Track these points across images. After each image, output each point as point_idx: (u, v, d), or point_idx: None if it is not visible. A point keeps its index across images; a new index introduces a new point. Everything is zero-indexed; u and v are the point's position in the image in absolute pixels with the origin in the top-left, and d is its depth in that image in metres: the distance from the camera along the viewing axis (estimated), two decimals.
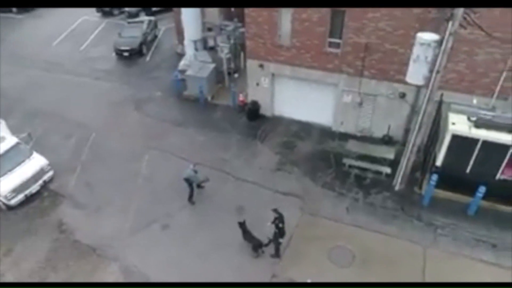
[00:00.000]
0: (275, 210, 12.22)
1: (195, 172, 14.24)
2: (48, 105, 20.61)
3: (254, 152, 17.11)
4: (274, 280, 11.82)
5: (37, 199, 15.00)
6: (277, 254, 12.44)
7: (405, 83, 15.21)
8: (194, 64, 20.87)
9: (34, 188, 14.76)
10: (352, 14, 14.92)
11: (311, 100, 17.96)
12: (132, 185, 15.51)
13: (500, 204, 13.10)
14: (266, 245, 12.33)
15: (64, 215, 14.37)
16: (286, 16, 16.12)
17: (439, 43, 11.35)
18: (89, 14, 31.48)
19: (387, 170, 14.93)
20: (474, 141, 12.37)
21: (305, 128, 18.24)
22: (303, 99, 18.13)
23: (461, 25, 11.00)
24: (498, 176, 12.66)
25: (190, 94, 20.62)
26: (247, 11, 16.83)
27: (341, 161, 15.81)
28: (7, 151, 14.38)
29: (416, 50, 11.67)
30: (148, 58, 25.09)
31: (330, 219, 13.61)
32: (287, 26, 16.35)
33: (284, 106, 18.83)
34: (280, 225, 12.06)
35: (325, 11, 15.29)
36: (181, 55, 24.37)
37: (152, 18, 28.04)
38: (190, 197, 14.51)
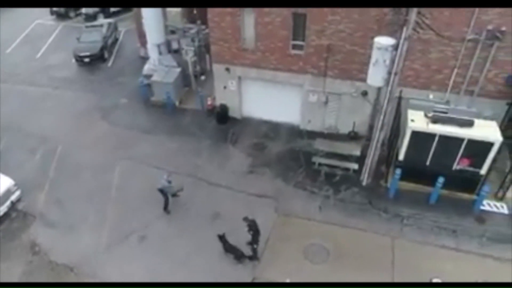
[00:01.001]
0: (245, 219, 12.57)
1: (169, 182, 14.30)
2: (7, 119, 19.74)
3: (226, 155, 17.34)
4: (255, 281, 12.22)
5: (5, 221, 14.53)
6: (255, 256, 12.85)
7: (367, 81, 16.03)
8: (160, 69, 20.66)
9: (1, 210, 14.28)
10: (313, 17, 15.34)
11: (278, 100, 18.34)
12: (105, 198, 15.34)
13: (457, 191, 14.14)
14: (251, 257, 12.67)
15: (36, 236, 14.05)
16: (249, 20, 16.31)
17: (396, 46, 11.99)
18: (43, 17, 30.18)
19: (355, 166, 15.65)
20: (431, 135, 13.23)
21: (274, 128, 18.64)
22: (270, 100, 18.47)
23: (414, 30, 11.67)
24: (454, 166, 13.64)
25: (157, 100, 20.44)
26: (210, 15, 16.85)
27: (311, 160, 16.38)
28: None
29: (375, 54, 12.27)
30: (110, 63, 24.51)
31: (304, 218, 14.16)
32: (251, 30, 16.56)
33: (252, 107, 19.11)
34: (251, 232, 12.43)
35: (287, 15, 15.62)
36: (144, 59, 23.97)
37: (111, 20, 27.28)
38: (166, 207, 14.59)
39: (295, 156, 16.95)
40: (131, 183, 15.96)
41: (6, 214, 14.62)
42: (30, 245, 13.74)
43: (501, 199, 14.04)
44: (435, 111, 13.71)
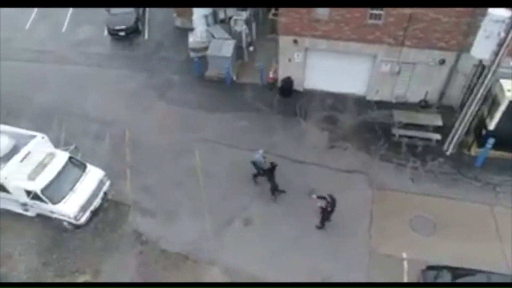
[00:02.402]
0: (330, 196, 12.84)
1: (264, 158, 14.33)
2: (58, 103, 18.81)
3: (300, 131, 17.20)
4: (373, 257, 12.69)
5: (100, 212, 14.26)
6: (322, 225, 13.42)
7: (446, 49, 15.94)
8: (214, 42, 19.67)
9: (97, 202, 13.93)
10: None
11: (343, 71, 18.00)
12: (194, 183, 15.17)
13: None
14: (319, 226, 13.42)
15: (137, 225, 13.92)
16: None
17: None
18: None
19: (438, 136, 15.89)
20: None
21: (340, 100, 18.44)
22: (335, 71, 18.11)
23: None
24: None
25: (212, 75, 19.71)
26: None
27: (389, 132, 16.50)
28: (63, 169, 13.24)
29: (489, 27, 12.05)
30: (146, 36, 23.14)
31: (399, 191, 14.51)
32: None
33: (316, 79, 18.71)
34: (329, 209, 12.87)
35: None
36: (181, 29, 22.90)
37: None
38: (255, 176, 14.75)
39: (371, 128, 17.00)
40: (215, 165, 15.75)
41: (100, 205, 14.30)
42: (135, 235, 13.63)
43: None
44: None
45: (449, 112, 17.08)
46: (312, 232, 13.44)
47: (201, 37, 20.69)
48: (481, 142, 15.07)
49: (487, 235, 12.99)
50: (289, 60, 18.11)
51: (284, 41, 17.59)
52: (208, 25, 20.58)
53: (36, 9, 25.48)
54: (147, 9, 25.24)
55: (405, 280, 12.03)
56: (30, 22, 24.55)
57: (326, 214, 13.14)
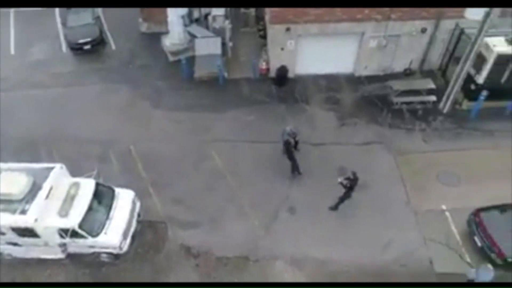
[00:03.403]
0: (354, 174, 13.22)
1: (292, 132, 14.70)
2: (40, 130, 16.89)
3: (308, 115, 17.51)
4: (419, 215, 13.55)
5: (136, 235, 13.21)
6: (336, 207, 13.80)
7: (427, 18, 17.31)
8: (199, 41, 19.05)
9: (133, 225, 12.89)
10: None
11: (332, 52, 18.64)
12: (223, 185, 14.75)
13: None
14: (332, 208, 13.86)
15: (183, 240, 13.19)
16: None
17: None
18: None
19: (434, 98, 17.29)
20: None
21: (332, 80, 19.07)
22: (324, 53, 18.67)
23: None
24: None
25: (203, 75, 19.13)
26: None
27: (387, 102, 17.58)
28: (93, 198, 11.99)
29: None
30: (113, 46, 21.57)
31: (417, 152, 15.60)
32: None
33: (306, 64, 19.10)
34: (348, 185, 13.17)
35: None
36: (149, 34, 21.83)
37: None
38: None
39: (370, 101, 17.90)
40: (238, 163, 15.47)
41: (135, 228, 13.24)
42: (184, 250, 12.90)
43: None
44: None
45: (431, 75, 18.67)
46: (356, 207, 13.88)
47: (179, 38, 19.94)
48: (471, 96, 16.79)
49: (505, 174, 14.48)
50: (282, 49, 18.27)
51: (275, 30, 17.70)
52: (185, 25, 19.86)
53: None
54: (100, 16, 23.45)
55: (453, 227, 13.13)
56: None
57: (347, 191, 13.42)
